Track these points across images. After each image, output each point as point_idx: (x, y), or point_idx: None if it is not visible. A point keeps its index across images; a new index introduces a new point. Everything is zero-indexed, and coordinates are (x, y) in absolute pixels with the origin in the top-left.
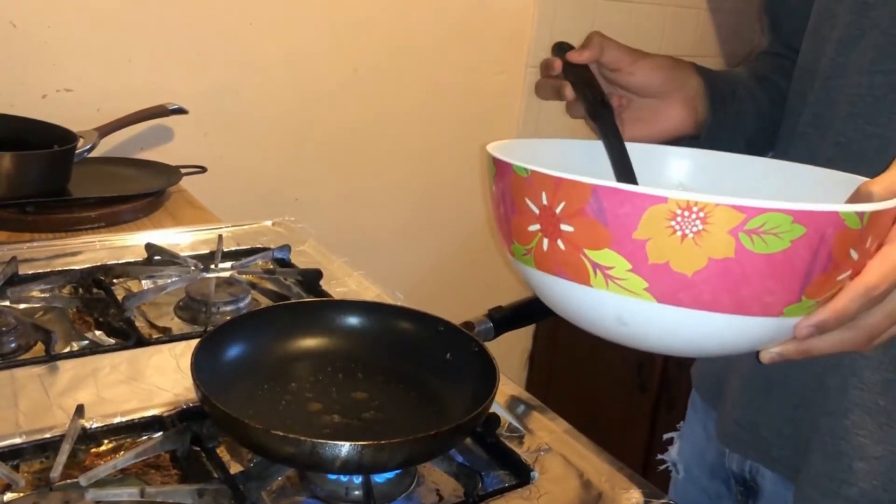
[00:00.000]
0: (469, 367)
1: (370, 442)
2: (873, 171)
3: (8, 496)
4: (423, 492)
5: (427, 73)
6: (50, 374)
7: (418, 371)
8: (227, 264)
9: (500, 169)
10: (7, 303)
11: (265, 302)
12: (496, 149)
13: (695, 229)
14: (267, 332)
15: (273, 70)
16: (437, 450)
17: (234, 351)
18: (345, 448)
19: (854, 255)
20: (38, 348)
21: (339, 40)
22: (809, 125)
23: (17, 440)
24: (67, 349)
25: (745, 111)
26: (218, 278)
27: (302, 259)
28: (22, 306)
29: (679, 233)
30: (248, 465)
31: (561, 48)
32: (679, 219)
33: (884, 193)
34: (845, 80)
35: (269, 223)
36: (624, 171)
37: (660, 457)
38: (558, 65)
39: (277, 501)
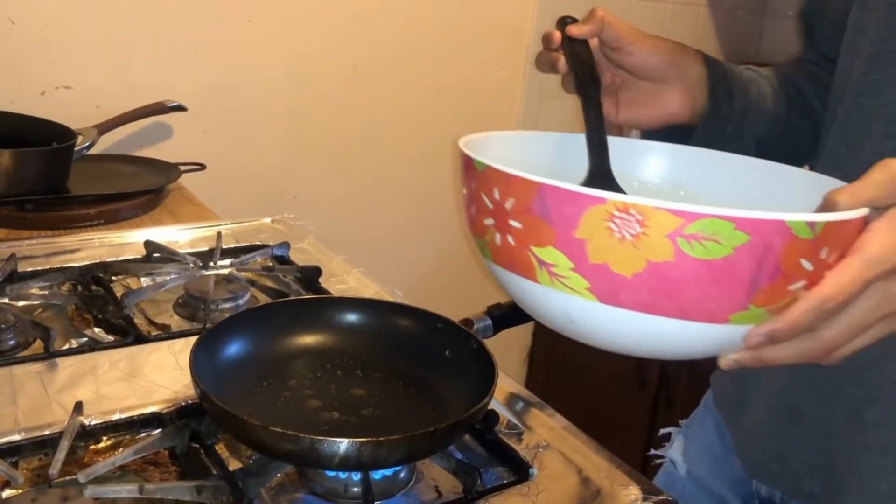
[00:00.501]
0: (468, 363)
1: (369, 439)
2: None
3: (7, 493)
4: (421, 488)
5: (427, 70)
6: (49, 371)
7: (417, 368)
8: (226, 261)
9: (464, 162)
10: (6, 300)
11: (264, 299)
12: (468, 141)
13: (633, 232)
14: (266, 329)
15: (272, 67)
16: (435, 446)
17: (232, 348)
18: (343, 445)
19: (807, 265)
20: (37, 345)
21: (339, 38)
22: (840, 143)
23: (16, 437)
24: (66, 346)
25: (755, 110)
26: (217, 275)
27: (301, 256)
28: (21, 303)
29: (618, 234)
30: (246, 461)
31: (563, 21)
32: (617, 220)
33: (850, 202)
34: (878, 97)
35: (268, 220)
36: (598, 151)
37: (654, 452)
38: (557, 38)
39: (276, 498)
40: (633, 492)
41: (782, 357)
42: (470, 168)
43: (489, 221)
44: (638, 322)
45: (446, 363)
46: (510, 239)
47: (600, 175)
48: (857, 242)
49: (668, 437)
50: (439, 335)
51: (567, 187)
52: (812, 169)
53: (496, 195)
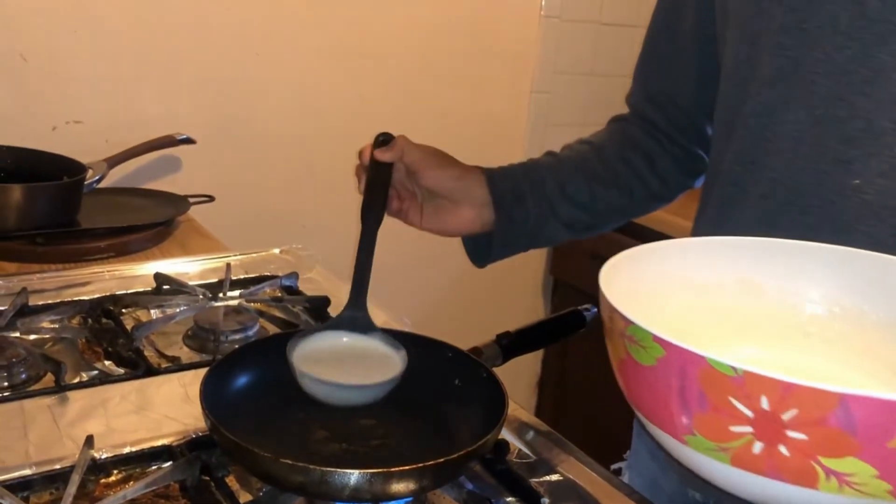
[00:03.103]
0: (478, 392)
1: (379, 470)
2: (808, 203)
3: None
4: None
5: (432, 99)
6: (59, 404)
7: (427, 397)
8: (236, 292)
9: (672, 353)
10: (17, 334)
11: (273, 330)
12: (609, 277)
13: None
14: (275, 359)
15: (279, 99)
16: (446, 477)
17: (242, 379)
18: (354, 476)
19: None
20: (48, 379)
21: (345, 69)
22: (735, 162)
23: (27, 471)
24: (77, 379)
25: (553, 200)
26: (226, 307)
27: (310, 286)
28: (32, 337)
29: None
30: (257, 494)
31: (376, 140)
32: None
33: None
34: (770, 117)
35: (276, 251)
36: (358, 286)
37: None
38: (366, 156)
39: None
40: None
41: None
42: (692, 363)
43: (743, 429)
44: None
45: (456, 392)
46: (784, 450)
47: (355, 310)
48: None
49: (620, 472)
50: (449, 364)
51: (881, 397)
52: (712, 186)
53: (764, 405)
